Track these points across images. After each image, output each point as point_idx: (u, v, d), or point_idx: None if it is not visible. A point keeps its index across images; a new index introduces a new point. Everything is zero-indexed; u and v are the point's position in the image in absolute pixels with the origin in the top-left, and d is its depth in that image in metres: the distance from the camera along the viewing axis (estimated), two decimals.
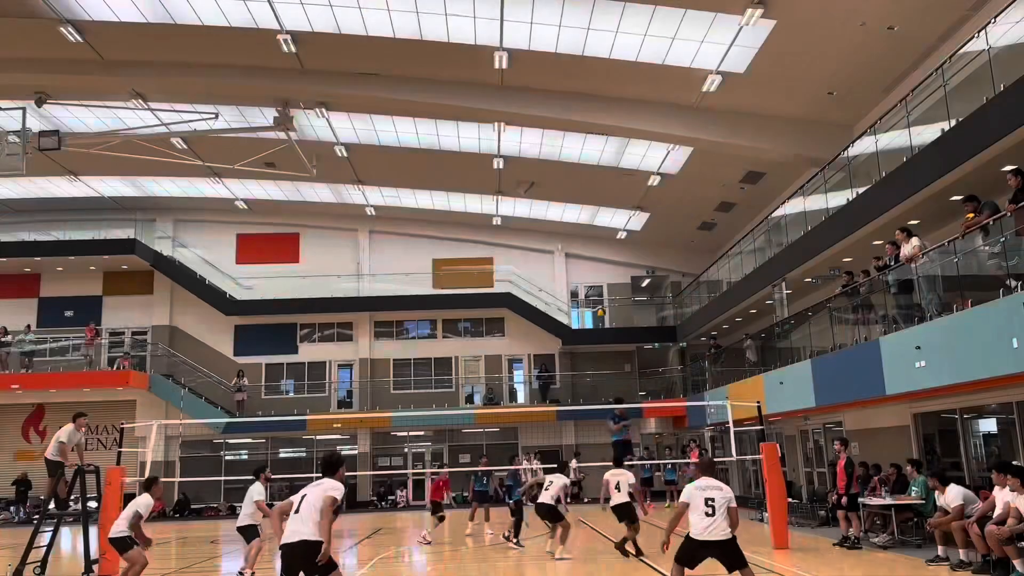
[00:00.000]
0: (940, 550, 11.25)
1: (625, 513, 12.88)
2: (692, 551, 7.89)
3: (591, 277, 33.03)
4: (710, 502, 7.88)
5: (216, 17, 18.28)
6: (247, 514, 11.66)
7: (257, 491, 11.82)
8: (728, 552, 7.88)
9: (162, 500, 26.58)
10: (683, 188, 26.23)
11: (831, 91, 19.20)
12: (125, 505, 12.76)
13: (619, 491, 12.90)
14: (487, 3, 17.30)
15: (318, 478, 7.23)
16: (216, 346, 31.38)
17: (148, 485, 10.46)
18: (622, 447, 16.82)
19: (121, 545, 9.95)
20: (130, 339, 31.11)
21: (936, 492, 11.56)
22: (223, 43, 19.38)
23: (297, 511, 6.83)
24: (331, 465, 7.32)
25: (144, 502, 10.12)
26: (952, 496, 11.13)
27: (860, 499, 13.94)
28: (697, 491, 7.97)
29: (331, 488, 7.01)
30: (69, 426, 13.15)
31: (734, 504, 7.99)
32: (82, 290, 31.54)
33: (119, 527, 10.01)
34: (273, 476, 27.70)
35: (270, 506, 9.65)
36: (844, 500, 13.72)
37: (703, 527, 7.80)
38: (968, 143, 12.26)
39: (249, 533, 11.66)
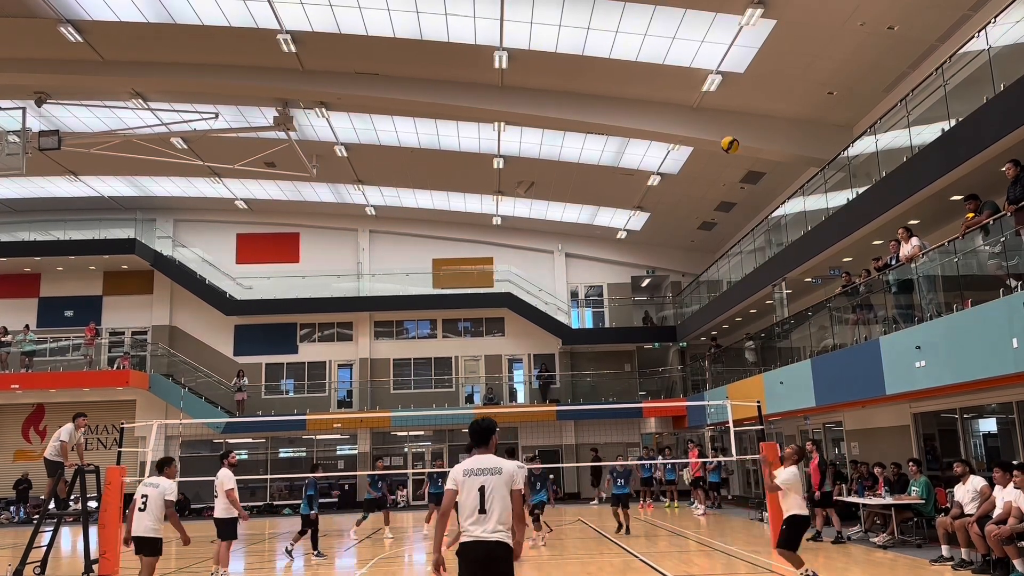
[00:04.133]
0: (944, 550, 11.24)
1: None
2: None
3: (591, 277, 33.03)
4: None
5: (216, 17, 18.29)
6: (222, 506, 11.38)
7: (228, 477, 11.46)
8: None
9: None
10: (683, 188, 26.23)
11: (831, 91, 19.21)
12: (127, 506, 12.75)
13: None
14: (487, 3, 17.30)
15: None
16: (216, 346, 31.39)
17: (161, 467, 9.42)
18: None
19: (151, 547, 8.99)
20: (130, 339, 31.12)
21: (959, 484, 11.47)
22: (223, 43, 19.39)
23: (483, 511, 5.36)
24: (486, 433, 5.68)
25: (167, 487, 9.15)
26: (977, 480, 11.10)
27: (859, 499, 13.98)
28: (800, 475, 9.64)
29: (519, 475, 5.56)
30: (69, 425, 13.17)
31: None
32: (82, 290, 31.54)
33: (149, 526, 8.98)
34: (273, 476, 28.22)
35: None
36: (817, 496, 14.68)
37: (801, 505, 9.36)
38: (968, 143, 12.26)
39: (227, 528, 11.42)
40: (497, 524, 5.27)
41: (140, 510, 9.10)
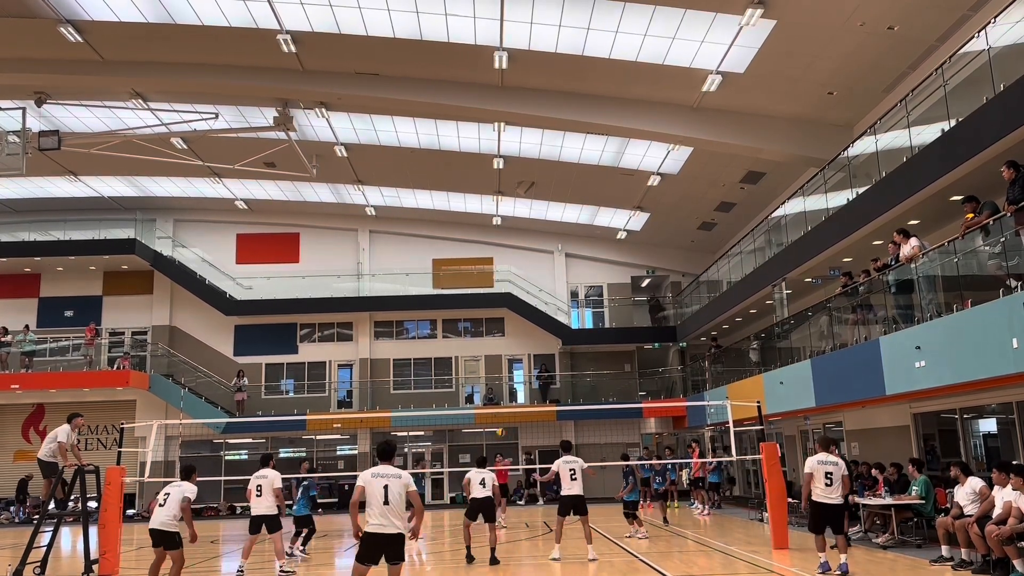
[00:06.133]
0: (944, 550, 11.23)
1: (488, 509, 13.08)
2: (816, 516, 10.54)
3: (591, 277, 33.04)
4: (829, 475, 10.43)
5: (216, 17, 18.29)
6: (268, 503, 12.17)
7: (277, 477, 12.36)
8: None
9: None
10: (683, 188, 26.23)
11: (831, 91, 19.21)
12: (127, 505, 12.83)
13: (483, 487, 13.09)
14: (487, 3, 17.30)
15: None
16: (216, 346, 31.40)
17: (188, 473, 10.47)
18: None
19: (170, 541, 9.81)
20: (130, 339, 31.13)
21: (957, 487, 11.47)
22: (223, 43, 19.39)
23: (387, 503, 7.40)
24: (391, 451, 7.85)
25: (190, 488, 10.09)
26: (975, 482, 11.09)
27: (859, 499, 13.95)
28: (819, 464, 10.56)
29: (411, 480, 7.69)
30: (65, 426, 13.03)
31: (845, 473, 10.61)
32: (82, 290, 31.55)
33: (166, 521, 9.79)
34: None
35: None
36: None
37: (822, 493, 10.46)
38: (968, 143, 12.26)
39: (273, 522, 12.24)
40: (395, 518, 7.37)
41: (160, 506, 9.90)
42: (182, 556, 9.91)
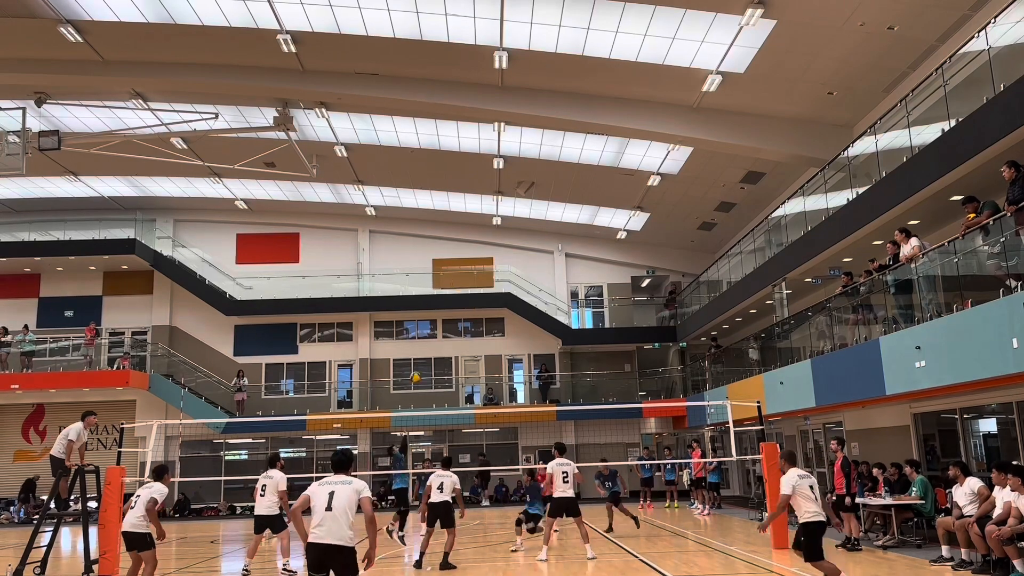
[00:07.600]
0: (944, 550, 11.24)
1: (444, 514, 12.62)
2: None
3: (591, 277, 33.04)
4: (812, 488, 9.11)
5: (216, 17, 18.29)
6: (270, 503, 12.22)
7: (283, 479, 12.43)
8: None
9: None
10: (683, 188, 26.23)
11: (831, 91, 19.21)
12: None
13: (441, 492, 12.66)
14: (487, 3, 17.30)
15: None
16: (216, 346, 31.40)
17: (160, 474, 10.31)
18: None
19: (141, 542, 9.66)
20: (130, 339, 31.13)
21: (956, 487, 11.46)
22: (223, 43, 19.39)
23: (329, 509, 6.73)
24: (346, 463, 7.19)
25: (160, 489, 9.94)
26: (973, 482, 11.09)
27: (859, 499, 13.93)
28: (801, 480, 9.08)
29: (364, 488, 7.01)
30: (78, 424, 13.03)
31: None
32: (82, 290, 31.55)
33: (136, 522, 9.66)
34: None
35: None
36: (847, 500, 13.67)
37: (813, 511, 8.94)
38: (968, 143, 12.26)
39: (278, 522, 12.36)
40: (337, 526, 6.65)
41: (132, 508, 9.83)
42: (154, 557, 9.77)
